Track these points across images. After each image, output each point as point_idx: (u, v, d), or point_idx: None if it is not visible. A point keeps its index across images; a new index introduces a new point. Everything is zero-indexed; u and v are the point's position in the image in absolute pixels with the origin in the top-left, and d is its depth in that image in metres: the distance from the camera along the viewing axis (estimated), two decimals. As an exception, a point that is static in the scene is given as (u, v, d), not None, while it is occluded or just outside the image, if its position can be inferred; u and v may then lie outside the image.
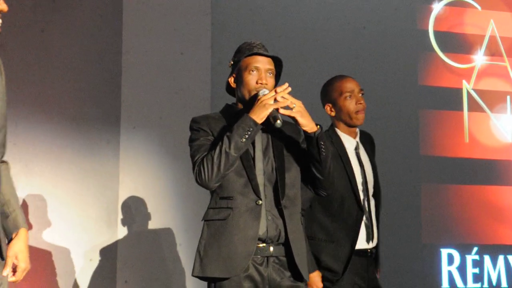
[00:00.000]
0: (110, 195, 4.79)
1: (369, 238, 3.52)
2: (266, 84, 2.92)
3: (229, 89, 3.09)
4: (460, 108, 5.73)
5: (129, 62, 4.89)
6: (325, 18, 5.52)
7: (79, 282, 4.72)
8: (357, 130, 3.66)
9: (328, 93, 3.66)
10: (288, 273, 2.88)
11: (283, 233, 2.86)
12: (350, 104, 3.58)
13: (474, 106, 5.78)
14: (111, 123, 4.87)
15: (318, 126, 2.89)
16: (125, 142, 4.82)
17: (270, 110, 2.80)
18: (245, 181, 2.86)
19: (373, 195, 3.60)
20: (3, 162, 2.67)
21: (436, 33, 5.79)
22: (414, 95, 5.61)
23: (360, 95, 3.61)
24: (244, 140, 2.79)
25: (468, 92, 5.78)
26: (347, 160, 3.55)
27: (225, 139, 2.79)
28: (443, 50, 5.79)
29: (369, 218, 3.54)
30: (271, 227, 2.85)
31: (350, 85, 3.62)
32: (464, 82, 5.78)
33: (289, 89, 2.84)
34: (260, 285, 2.83)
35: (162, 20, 5.01)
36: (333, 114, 3.63)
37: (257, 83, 2.93)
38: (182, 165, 4.77)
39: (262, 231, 2.83)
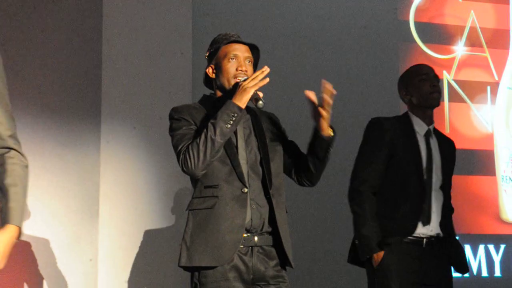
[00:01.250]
0: (91, 187, 4.77)
1: (424, 223, 3.50)
2: (246, 71, 2.92)
3: (206, 80, 3.08)
4: (441, 99, 5.73)
5: (109, 54, 4.86)
6: (324, 17, 5.53)
7: (59, 273, 4.70)
8: (431, 115, 3.68)
9: (404, 79, 3.74)
10: (272, 262, 2.88)
11: (266, 222, 2.86)
12: (424, 85, 3.64)
13: (454, 97, 5.81)
14: (92, 114, 4.84)
15: (332, 132, 2.93)
16: (106, 133, 4.80)
17: (251, 93, 2.80)
18: (229, 169, 2.85)
19: (441, 188, 3.61)
20: (12, 151, 2.51)
21: (417, 24, 5.81)
22: (395, 86, 5.61)
23: (435, 79, 3.66)
24: (229, 126, 2.77)
25: (448, 83, 5.81)
26: (414, 141, 3.58)
27: (210, 126, 2.77)
28: (424, 40, 5.81)
29: (427, 204, 3.52)
30: (255, 216, 2.84)
31: (424, 69, 3.70)
32: (444, 72, 5.80)
33: (268, 70, 2.83)
34: (245, 275, 2.82)
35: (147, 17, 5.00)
36: (408, 97, 3.69)
37: (236, 70, 2.92)
38: (163, 157, 4.76)
39: (246, 220, 2.82)
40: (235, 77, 2.92)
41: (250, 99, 2.82)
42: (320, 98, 2.87)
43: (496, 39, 6.00)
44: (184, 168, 2.81)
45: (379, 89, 5.47)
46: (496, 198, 5.79)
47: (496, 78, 5.94)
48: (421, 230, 3.50)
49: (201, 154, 2.76)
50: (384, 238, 3.46)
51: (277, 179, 2.93)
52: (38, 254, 4.65)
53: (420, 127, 3.64)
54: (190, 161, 2.78)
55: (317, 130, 2.91)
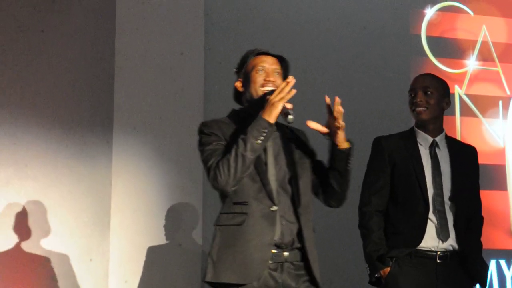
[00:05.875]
0: (103, 199, 4.78)
1: (437, 238, 3.44)
2: (273, 81, 2.92)
3: (236, 95, 3.07)
4: (452, 113, 5.74)
5: (122, 64, 4.87)
6: (325, 18, 5.54)
7: (72, 285, 4.71)
8: (437, 128, 3.61)
9: None
10: (304, 278, 2.86)
11: (296, 239, 2.85)
12: (411, 102, 3.60)
13: (466, 111, 5.79)
14: (105, 126, 4.86)
15: (349, 143, 2.90)
16: (118, 145, 4.81)
17: (279, 107, 2.78)
18: (259, 186, 2.83)
19: (451, 199, 3.52)
20: None
21: (429, 38, 5.81)
22: (406, 99, 5.61)
23: (421, 92, 3.57)
24: (259, 141, 2.76)
25: (460, 97, 5.80)
26: (415, 156, 3.53)
27: (240, 142, 2.75)
28: (435, 55, 5.80)
29: (439, 218, 3.45)
30: (286, 232, 2.83)
31: (412, 83, 3.63)
32: (456, 87, 5.79)
33: (293, 80, 2.81)
34: None
35: (159, 20, 5.01)
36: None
37: (264, 80, 2.92)
38: (176, 169, 4.76)
39: (277, 236, 2.81)
40: (262, 86, 2.92)
41: (280, 114, 2.81)
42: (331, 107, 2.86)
43: (508, 54, 5.99)
44: (215, 184, 2.79)
45: (392, 102, 5.47)
46: (508, 213, 5.77)
47: (508, 93, 5.93)
48: (433, 244, 3.45)
49: (232, 170, 2.74)
50: (388, 252, 3.44)
51: (305, 197, 2.91)
52: (49, 266, 4.65)
53: (424, 140, 3.59)
54: (221, 177, 2.76)
55: (333, 143, 2.89)
